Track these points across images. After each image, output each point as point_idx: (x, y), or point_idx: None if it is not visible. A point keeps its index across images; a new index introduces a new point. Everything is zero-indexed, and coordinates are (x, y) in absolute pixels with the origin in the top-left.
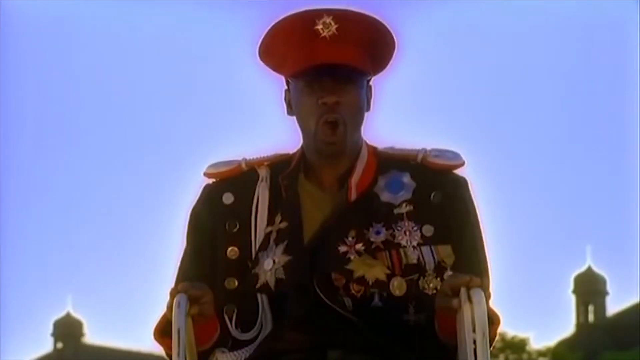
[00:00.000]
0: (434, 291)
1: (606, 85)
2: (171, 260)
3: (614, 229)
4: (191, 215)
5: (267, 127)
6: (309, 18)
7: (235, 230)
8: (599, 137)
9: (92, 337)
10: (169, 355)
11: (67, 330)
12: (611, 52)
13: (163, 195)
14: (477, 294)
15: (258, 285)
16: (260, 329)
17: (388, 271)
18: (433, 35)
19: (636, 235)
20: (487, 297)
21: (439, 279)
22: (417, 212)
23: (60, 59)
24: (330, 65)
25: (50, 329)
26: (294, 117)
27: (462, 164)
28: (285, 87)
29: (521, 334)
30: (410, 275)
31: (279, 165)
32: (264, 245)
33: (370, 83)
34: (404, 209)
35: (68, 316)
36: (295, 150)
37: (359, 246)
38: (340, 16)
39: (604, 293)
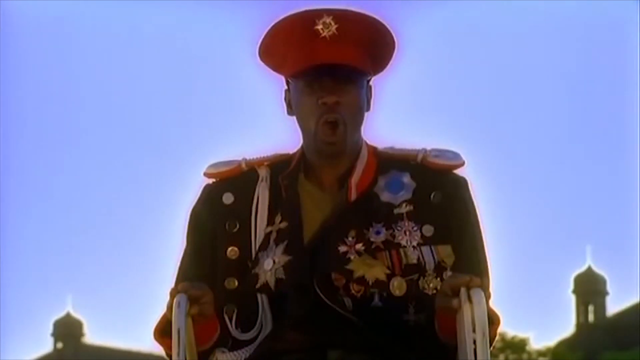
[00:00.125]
0: (434, 291)
1: (606, 85)
2: (171, 260)
3: (614, 229)
4: (191, 215)
5: (267, 127)
6: (309, 18)
7: (235, 230)
8: (599, 137)
9: (92, 337)
10: (169, 355)
11: (67, 330)
12: (611, 52)
13: (163, 195)
14: (477, 294)
15: (258, 285)
16: (260, 329)
17: (388, 271)
18: (433, 35)
19: (636, 235)
20: (487, 297)
21: (439, 279)
22: (417, 212)
23: (60, 59)
24: (330, 65)
25: (50, 329)
26: (294, 117)
27: (462, 164)
28: (285, 87)
29: (521, 334)
30: (410, 275)
31: (279, 165)
32: (264, 245)
33: (370, 83)
34: (404, 209)
35: (68, 316)
36: (295, 150)
37: (359, 246)
38: (340, 16)
39: (604, 293)
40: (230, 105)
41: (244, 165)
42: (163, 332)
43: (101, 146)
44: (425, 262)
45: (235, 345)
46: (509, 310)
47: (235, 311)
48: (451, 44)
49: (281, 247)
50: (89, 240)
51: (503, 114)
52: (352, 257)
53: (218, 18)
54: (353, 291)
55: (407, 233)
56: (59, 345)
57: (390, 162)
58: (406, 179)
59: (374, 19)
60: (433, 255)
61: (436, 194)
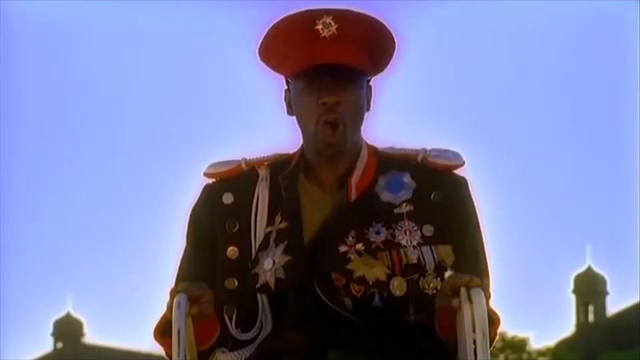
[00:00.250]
0: (434, 291)
1: (606, 85)
2: (171, 260)
3: (614, 229)
4: (191, 215)
5: (267, 127)
6: (309, 18)
7: (235, 230)
8: (599, 137)
9: (92, 337)
10: (169, 355)
11: (67, 330)
12: (611, 52)
13: (163, 195)
14: (477, 294)
15: (258, 285)
16: (260, 328)
17: (388, 271)
18: (433, 35)
19: (636, 235)
20: (487, 297)
21: (439, 279)
22: (417, 212)
23: (60, 59)
24: (330, 65)
25: (50, 329)
26: (294, 117)
27: (462, 164)
28: (285, 87)
29: (521, 334)
30: (410, 275)
31: (279, 165)
32: (264, 245)
33: (370, 83)
34: (404, 208)
35: (68, 316)
36: (295, 150)
37: (359, 246)
38: (340, 16)
39: (604, 293)
40: (230, 105)
41: (244, 165)
42: (163, 332)
43: (101, 146)
44: (425, 262)
45: (236, 345)
46: (509, 310)
47: (235, 311)
48: (451, 44)
49: (281, 247)
50: (89, 240)
51: (503, 114)
52: (352, 257)
53: (218, 18)
54: (353, 291)
55: (408, 233)
56: (59, 345)
57: (391, 162)
58: (406, 178)
59: (374, 19)
60: (433, 255)
61: (436, 193)
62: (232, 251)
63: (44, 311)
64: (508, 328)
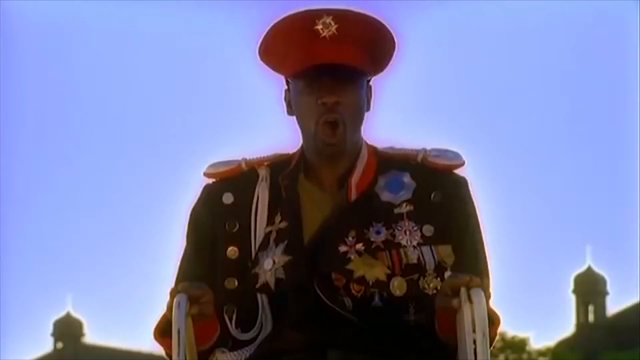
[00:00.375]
0: (434, 291)
1: (606, 85)
2: (171, 260)
3: (614, 229)
4: (191, 215)
5: (267, 127)
6: (309, 18)
7: (235, 230)
8: (599, 137)
9: (92, 337)
10: (169, 355)
11: (67, 330)
12: (611, 52)
13: (163, 195)
14: (477, 294)
15: (258, 285)
16: (260, 328)
17: (388, 271)
18: (433, 35)
19: (636, 235)
20: (487, 297)
21: (439, 279)
22: (418, 212)
23: (60, 59)
24: (330, 65)
25: (50, 329)
26: (294, 117)
27: (462, 164)
28: (285, 87)
29: (521, 334)
30: (410, 275)
31: (279, 165)
32: (264, 245)
33: (370, 83)
34: (404, 208)
35: (68, 316)
36: (295, 150)
37: (359, 246)
38: (340, 16)
39: (604, 293)
40: (230, 105)
41: (243, 165)
42: (163, 332)
43: (101, 146)
44: (425, 262)
45: (236, 345)
46: (509, 310)
47: (235, 311)
48: (451, 44)
49: (281, 247)
50: (89, 240)
51: (503, 114)
52: (352, 257)
53: (218, 18)
54: (353, 291)
55: (408, 233)
56: (59, 345)
57: (391, 162)
58: (406, 178)
59: (374, 19)
60: (433, 255)
61: (436, 193)
62: (232, 251)
63: (44, 311)
64: (508, 328)
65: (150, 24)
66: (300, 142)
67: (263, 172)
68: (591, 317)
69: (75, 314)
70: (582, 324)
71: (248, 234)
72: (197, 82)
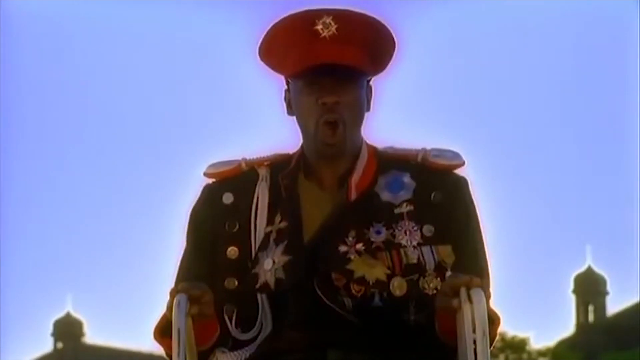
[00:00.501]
0: (434, 291)
1: (606, 85)
2: (171, 260)
3: (614, 229)
4: (191, 215)
5: (267, 127)
6: (309, 18)
7: (235, 230)
8: (599, 137)
9: (92, 337)
10: (169, 355)
11: (67, 330)
12: (611, 52)
13: (163, 195)
14: (477, 294)
15: (258, 285)
16: (260, 328)
17: (388, 271)
18: (433, 35)
19: (636, 235)
20: (487, 297)
21: (439, 279)
22: (418, 212)
23: (60, 59)
24: (330, 65)
25: (50, 329)
26: (294, 117)
27: (462, 164)
28: (285, 87)
29: (521, 334)
30: (410, 275)
31: (279, 165)
32: (264, 245)
33: (370, 83)
34: (404, 208)
35: (68, 316)
36: (295, 150)
37: (359, 246)
38: (340, 16)
39: (604, 293)
40: (230, 105)
41: (243, 165)
42: (163, 332)
43: (101, 146)
44: (425, 262)
45: (236, 345)
46: (509, 310)
47: (235, 311)
48: (451, 44)
49: (281, 247)
50: (89, 239)
51: (503, 114)
52: (352, 257)
53: (218, 18)
54: (353, 291)
55: (408, 233)
56: (59, 345)
57: (391, 162)
58: (406, 178)
59: (374, 19)
60: (433, 255)
61: (436, 193)
62: (232, 251)
63: (44, 311)
64: (508, 328)
65: (150, 23)
66: (300, 142)
67: (263, 172)
68: (591, 317)
69: (75, 314)
70: (582, 324)
71: (248, 234)
72: (197, 82)
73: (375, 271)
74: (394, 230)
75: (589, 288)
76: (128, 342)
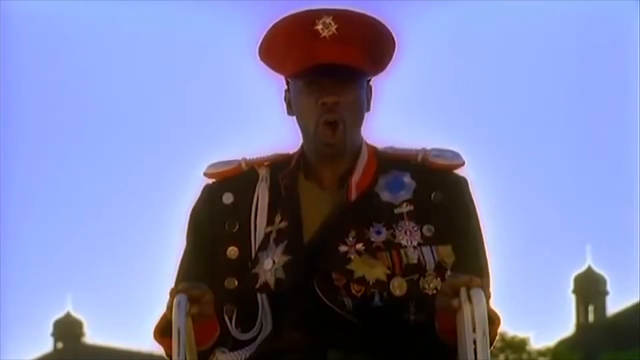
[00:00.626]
0: (434, 291)
1: (606, 85)
2: (171, 260)
3: (614, 229)
4: (191, 215)
5: (267, 127)
6: (309, 18)
7: (235, 230)
8: (599, 137)
9: (92, 337)
10: (169, 355)
11: (67, 330)
12: (611, 52)
13: (163, 195)
14: (477, 294)
15: (258, 285)
16: (260, 328)
17: (388, 271)
18: (433, 35)
19: (636, 235)
20: (487, 297)
21: (439, 279)
22: (418, 212)
23: (60, 58)
24: (330, 65)
25: (50, 329)
26: (294, 117)
27: (462, 164)
28: (285, 87)
29: (521, 334)
30: (410, 275)
31: (279, 165)
32: (264, 245)
33: (370, 83)
34: (405, 208)
35: (68, 316)
36: (295, 150)
37: (359, 246)
38: (340, 16)
39: (604, 293)
40: (230, 105)
41: (243, 165)
42: (163, 332)
43: (101, 146)
44: (425, 262)
45: (236, 345)
46: (509, 310)
47: (235, 311)
48: (451, 44)
49: (281, 247)
50: (89, 239)
51: (503, 114)
52: (352, 257)
53: (218, 18)
54: (353, 291)
55: (408, 233)
56: (59, 345)
57: (391, 162)
58: (406, 178)
59: (374, 19)
60: (433, 255)
61: (436, 193)
62: (232, 251)
63: (44, 311)
64: (508, 328)
65: (150, 23)
66: (300, 142)
67: (263, 172)
68: (591, 317)
69: (75, 314)
70: (582, 324)
71: (248, 233)
72: (197, 82)
73: (375, 271)
74: (394, 230)
75: (589, 288)
76: (128, 342)
